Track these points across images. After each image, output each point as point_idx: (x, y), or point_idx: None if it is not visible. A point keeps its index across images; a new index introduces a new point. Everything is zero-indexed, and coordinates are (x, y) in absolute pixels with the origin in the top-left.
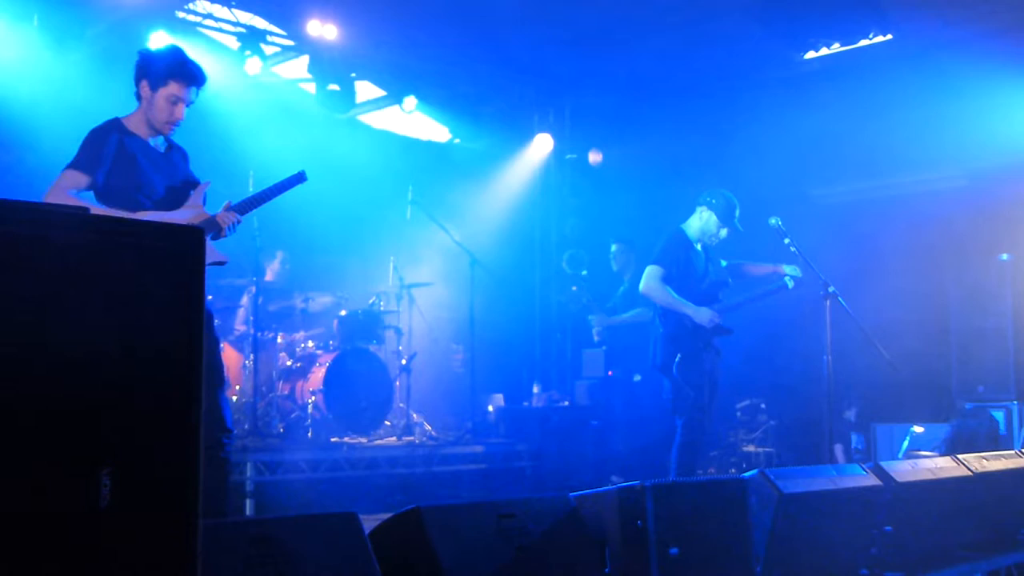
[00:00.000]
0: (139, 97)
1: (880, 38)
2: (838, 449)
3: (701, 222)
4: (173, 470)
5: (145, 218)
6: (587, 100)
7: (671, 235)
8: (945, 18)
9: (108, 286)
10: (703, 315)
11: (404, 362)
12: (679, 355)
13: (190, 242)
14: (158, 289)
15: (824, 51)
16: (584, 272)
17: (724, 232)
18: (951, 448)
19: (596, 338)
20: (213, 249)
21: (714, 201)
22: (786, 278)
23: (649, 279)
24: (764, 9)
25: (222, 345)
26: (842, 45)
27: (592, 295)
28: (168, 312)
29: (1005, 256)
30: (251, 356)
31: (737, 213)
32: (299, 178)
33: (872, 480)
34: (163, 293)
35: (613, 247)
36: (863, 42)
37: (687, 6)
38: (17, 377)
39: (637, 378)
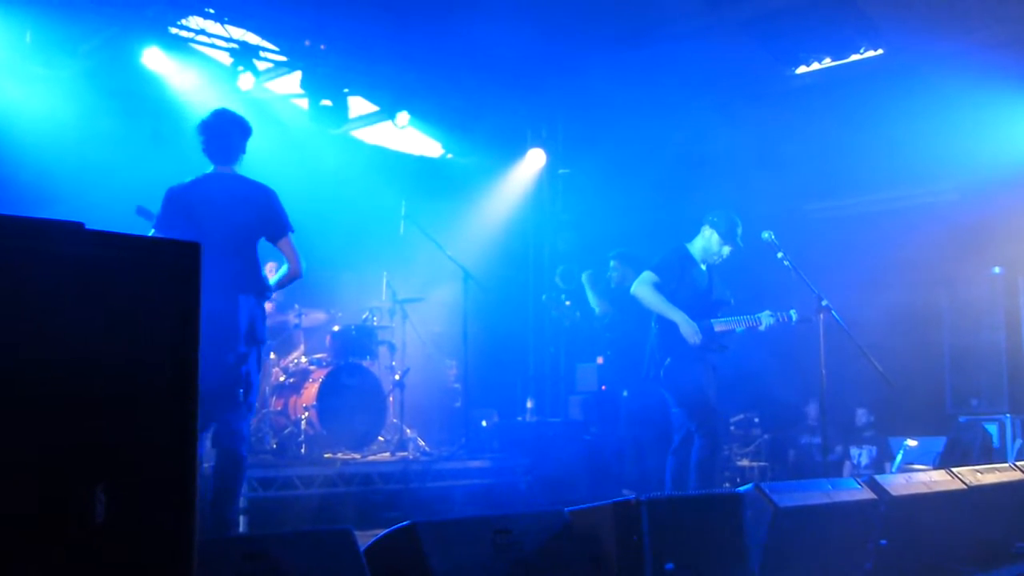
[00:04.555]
0: (238, 156)
1: (871, 53)
2: (846, 466)
3: (704, 240)
4: (169, 485)
5: None
6: (580, 115)
7: (672, 249)
8: (936, 33)
9: (103, 301)
10: (688, 328)
11: (397, 377)
12: (669, 359)
13: (186, 257)
14: (154, 304)
15: (816, 66)
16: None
17: (726, 250)
18: (945, 461)
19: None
20: None
21: (716, 220)
22: (791, 311)
23: (641, 283)
24: (756, 24)
25: None
26: (833, 60)
27: (584, 309)
28: (164, 327)
29: (997, 269)
30: None
31: (739, 231)
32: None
33: (867, 494)
34: (159, 308)
35: (612, 263)
36: (854, 57)
37: (679, 21)
38: (12, 391)
39: (625, 393)
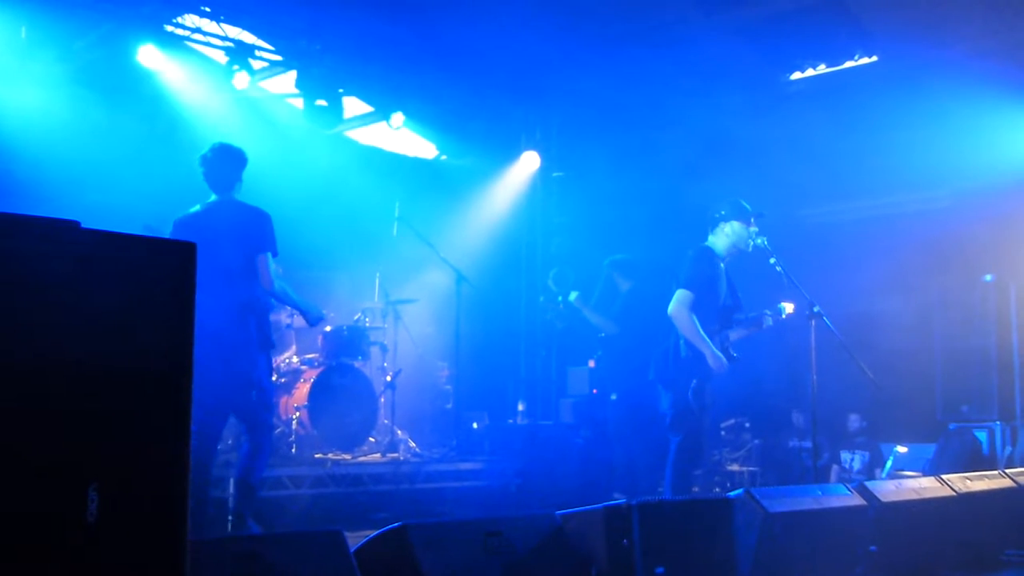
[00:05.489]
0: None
1: (865, 59)
2: (834, 470)
3: (731, 236)
4: (161, 486)
5: None
6: (574, 119)
7: (700, 256)
8: (930, 41)
9: (98, 299)
10: (716, 362)
11: (389, 378)
12: (695, 380)
13: (181, 256)
14: (149, 303)
15: (810, 72)
16: (572, 296)
17: (754, 229)
18: (935, 468)
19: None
20: None
21: (728, 211)
22: (781, 304)
23: (679, 305)
24: (751, 30)
25: None
26: (828, 66)
27: (576, 314)
28: (159, 326)
29: (989, 277)
30: None
31: (745, 204)
32: None
33: (857, 500)
34: (154, 307)
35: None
36: (848, 63)
37: (674, 26)
38: (4, 391)
39: (613, 397)
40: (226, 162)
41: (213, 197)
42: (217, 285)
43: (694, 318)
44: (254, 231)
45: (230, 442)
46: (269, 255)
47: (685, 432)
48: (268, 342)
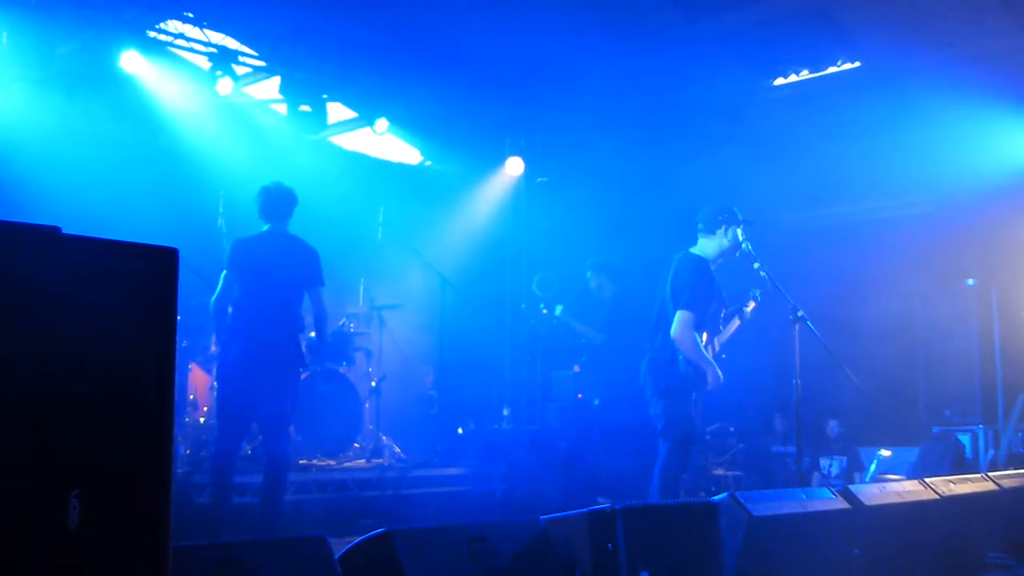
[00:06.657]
0: (287, 220)
1: (848, 65)
2: (815, 477)
3: (721, 239)
4: (143, 492)
5: None
6: (558, 124)
7: (696, 269)
8: (913, 46)
9: (79, 306)
10: (715, 379)
11: (374, 384)
12: (694, 394)
13: (162, 263)
14: (130, 309)
15: (793, 78)
16: (557, 310)
17: (740, 232)
18: (918, 471)
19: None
20: None
21: (726, 216)
22: (755, 292)
23: (683, 327)
24: (734, 36)
25: (190, 366)
26: (811, 72)
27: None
28: (140, 333)
29: (971, 281)
30: None
31: (736, 210)
32: None
33: (841, 503)
34: (135, 314)
35: (588, 273)
36: (832, 69)
37: (658, 32)
38: None
39: (596, 402)
40: (284, 199)
41: (266, 227)
42: (273, 305)
43: (697, 338)
44: (308, 265)
45: (214, 449)
46: (322, 288)
47: (677, 440)
48: (305, 360)
